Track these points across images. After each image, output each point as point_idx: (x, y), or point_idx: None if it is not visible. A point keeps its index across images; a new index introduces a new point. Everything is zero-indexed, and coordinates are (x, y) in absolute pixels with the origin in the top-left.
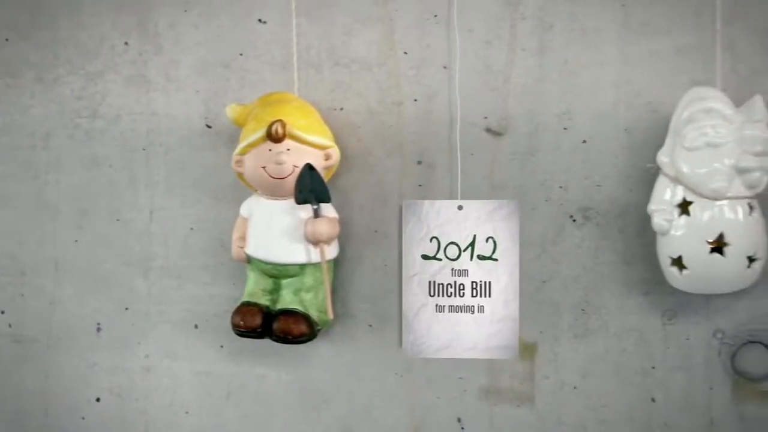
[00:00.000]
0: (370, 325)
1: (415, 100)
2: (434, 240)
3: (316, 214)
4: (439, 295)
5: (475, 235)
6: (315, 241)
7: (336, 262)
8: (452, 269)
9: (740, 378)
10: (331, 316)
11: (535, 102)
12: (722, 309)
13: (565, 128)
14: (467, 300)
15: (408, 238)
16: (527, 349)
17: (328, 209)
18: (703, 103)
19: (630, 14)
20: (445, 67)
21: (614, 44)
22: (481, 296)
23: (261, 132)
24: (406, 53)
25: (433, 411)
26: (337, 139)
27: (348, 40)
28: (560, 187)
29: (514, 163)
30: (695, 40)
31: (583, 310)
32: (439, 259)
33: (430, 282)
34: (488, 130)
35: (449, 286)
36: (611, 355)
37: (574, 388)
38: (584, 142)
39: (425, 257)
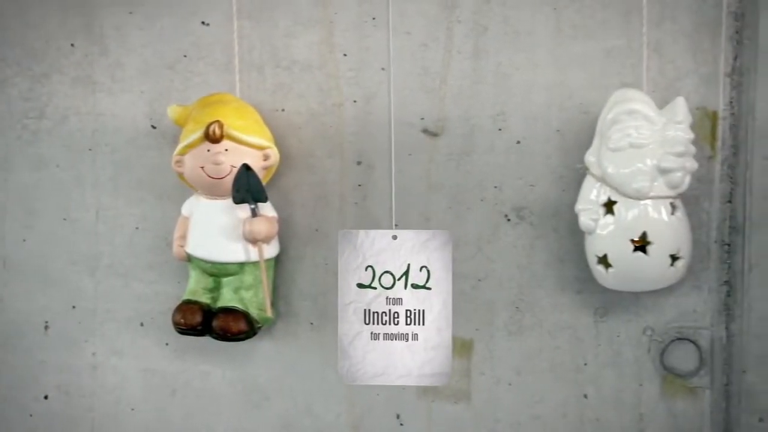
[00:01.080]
0: (312, 323)
1: (355, 101)
2: (369, 269)
3: (254, 213)
4: (374, 323)
5: (409, 264)
6: (253, 240)
7: (277, 261)
8: (387, 297)
9: (669, 374)
10: (269, 313)
11: (471, 103)
12: (651, 307)
13: (499, 129)
14: (402, 328)
15: (344, 267)
16: (464, 347)
17: (266, 208)
18: (627, 105)
19: (561, 18)
20: (383, 69)
21: (546, 47)
22: (415, 324)
23: (199, 133)
24: (345, 55)
25: (373, 407)
26: (279, 140)
27: (289, 42)
28: (495, 187)
29: (450, 164)
30: (624, 42)
31: (517, 307)
32: (374, 288)
33: (365, 310)
34: (425, 131)
35: (384, 314)
36: (545, 352)
37: (509, 384)
38: (518, 142)
39: (360, 286)
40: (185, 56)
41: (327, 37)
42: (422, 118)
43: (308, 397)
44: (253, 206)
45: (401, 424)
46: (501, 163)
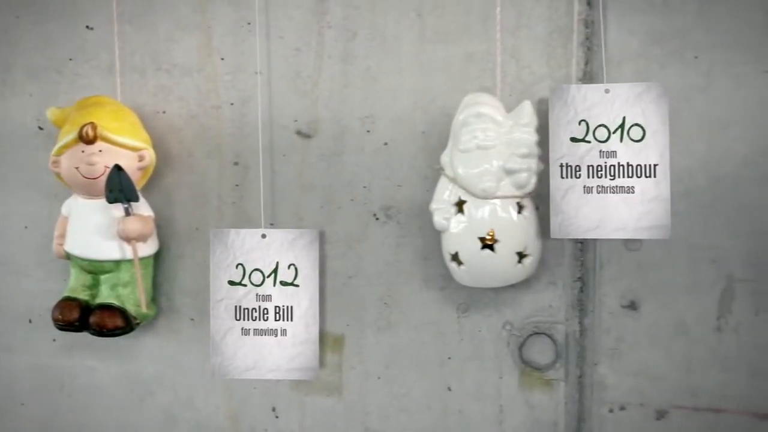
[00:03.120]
0: (192, 319)
1: (232, 104)
2: (240, 266)
3: (127, 212)
4: (244, 319)
5: (278, 262)
6: (127, 239)
7: (159, 258)
8: (257, 294)
9: (527, 367)
10: (144, 309)
11: (341, 106)
12: (510, 302)
13: (368, 131)
14: (271, 324)
15: (215, 265)
16: (336, 342)
17: (142, 207)
18: (475, 108)
19: (425, 24)
20: (258, 73)
21: (411, 52)
22: (283, 320)
23: (74, 134)
24: (222, 59)
25: (250, 400)
26: (160, 141)
27: (169, 46)
28: (364, 187)
29: (322, 164)
30: (484, 48)
31: (386, 303)
32: (245, 285)
33: (236, 307)
34: (298, 133)
35: (254, 310)
36: (411, 346)
37: (378, 378)
38: (386, 144)
39: (231, 283)
40: (71, 59)
41: (205, 42)
42: (295, 120)
43: (189, 390)
44: (125, 205)
45: (276, 417)
46: (369, 164)
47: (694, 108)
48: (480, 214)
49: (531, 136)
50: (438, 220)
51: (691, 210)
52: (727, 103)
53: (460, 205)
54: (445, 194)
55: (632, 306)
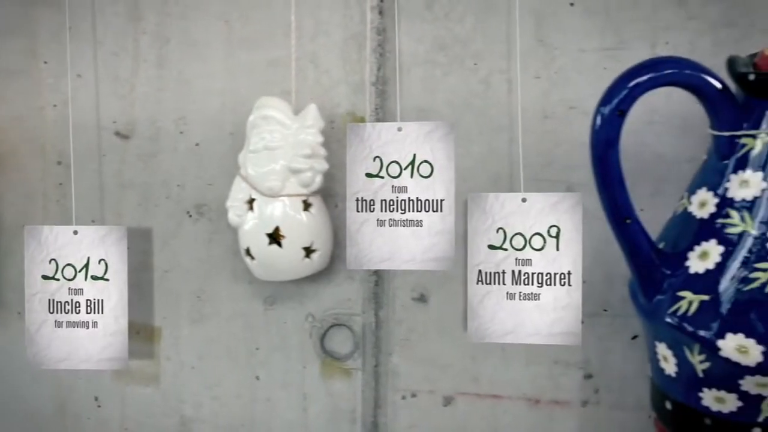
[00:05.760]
0: (19, 312)
1: (55, 105)
2: (53, 262)
3: None
4: (58, 312)
5: (89, 258)
6: None
7: None
8: (69, 288)
9: (328, 357)
10: None
11: (156, 108)
12: (312, 295)
13: (181, 132)
14: (83, 316)
15: (29, 260)
16: (154, 333)
17: None
18: (263, 111)
19: (232, 30)
20: (79, 76)
21: (220, 57)
22: (94, 313)
23: None
24: (46, 63)
25: (74, 390)
26: None
27: None
28: (178, 185)
29: (139, 164)
30: (285, 54)
31: (198, 297)
32: (58, 279)
33: (49, 300)
34: (117, 134)
35: (66, 303)
36: (223, 338)
37: (192, 368)
38: (197, 144)
39: (45, 278)
40: None
41: (30, 46)
42: (114, 122)
43: (18, 382)
44: None
45: (99, 406)
46: (183, 164)
47: (474, 112)
48: (268, 212)
49: (315, 138)
50: (232, 216)
51: None
52: (502, 107)
53: (251, 202)
54: (239, 192)
55: (422, 299)
